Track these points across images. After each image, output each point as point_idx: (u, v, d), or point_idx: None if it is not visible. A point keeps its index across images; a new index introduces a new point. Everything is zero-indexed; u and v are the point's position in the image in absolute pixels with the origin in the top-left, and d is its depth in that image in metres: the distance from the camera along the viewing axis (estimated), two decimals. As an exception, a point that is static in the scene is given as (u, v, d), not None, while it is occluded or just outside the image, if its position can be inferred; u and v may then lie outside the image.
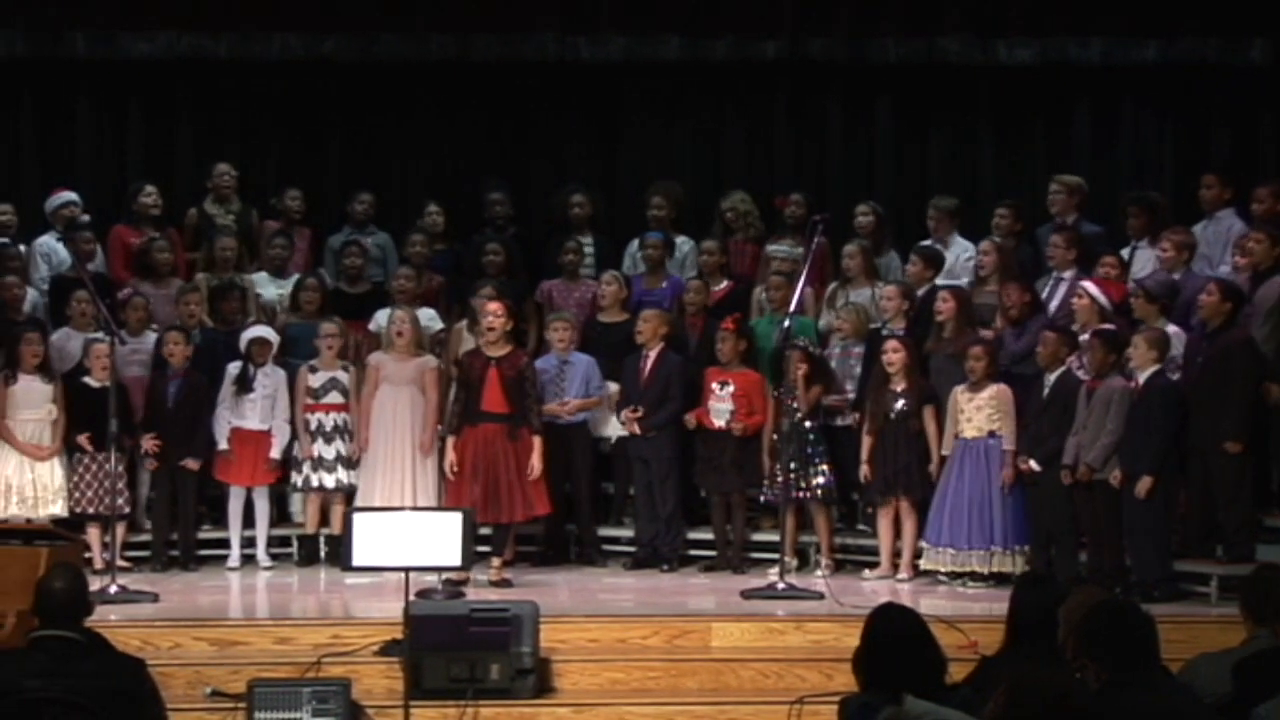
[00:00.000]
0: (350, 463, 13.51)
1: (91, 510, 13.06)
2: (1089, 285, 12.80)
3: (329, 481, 13.48)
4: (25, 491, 13.02)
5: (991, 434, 12.55)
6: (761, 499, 13.34)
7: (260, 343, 13.55)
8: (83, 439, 13.03)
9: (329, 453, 13.50)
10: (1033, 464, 12.36)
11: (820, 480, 13.04)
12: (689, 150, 16.20)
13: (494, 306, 12.93)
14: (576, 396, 13.53)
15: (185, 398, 13.41)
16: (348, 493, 13.50)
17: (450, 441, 12.83)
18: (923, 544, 12.77)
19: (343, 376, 13.59)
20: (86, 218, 14.59)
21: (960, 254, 14.10)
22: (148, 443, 13.26)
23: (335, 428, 13.52)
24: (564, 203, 14.99)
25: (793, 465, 12.84)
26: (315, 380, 13.55)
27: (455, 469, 12.72)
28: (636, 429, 13.40)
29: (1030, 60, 15.68)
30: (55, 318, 13.99)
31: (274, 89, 15.91)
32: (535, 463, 12.76)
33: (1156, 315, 12.41)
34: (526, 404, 12.82)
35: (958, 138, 16.14)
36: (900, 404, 12.82)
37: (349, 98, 16.00)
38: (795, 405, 12.79)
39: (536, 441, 12.80)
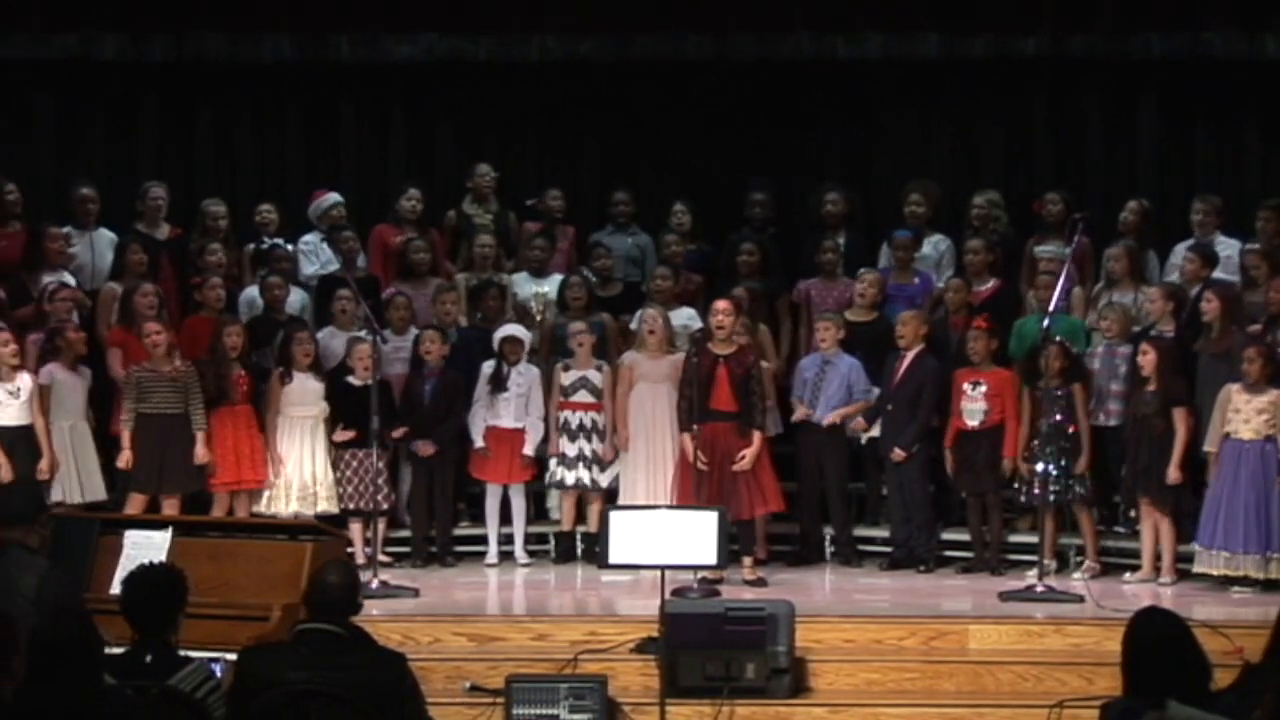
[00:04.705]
0: (600, 461, 13.59)
1: (353, 506, 13.29)
2: None
3: (584, 479, 13.56)
4: (307, 488, 13.30)
5: (1269, 439, 12.26)
6: (1020, 500, 13.19)
7: (513, 341, 13.65)
8: (342, 434, 13.25)
9: (580, 450, 13.58)
10: None
11: (1077, 482, 12.88)
12: (946, 148, 16.03)
13: (722, 305, 12.94)
14: (837, 397, 13.44)
15: (441, 395, 13.59)
16: (600, 491, 13.57)
17: (688, 437, 12.82)
18: (1195, 546, 12.52)
19: (594, 376, 13.63)
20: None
21: (1226, 253, 13.79)
22: (411, 438, 13.46)
23: (583, 426, 13.60)
24: (819, 201, 14.93)
25: (1050, 466, 12.69)
26: (567, 379, 13.63)
27: (705, 461, 12.70)
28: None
29: (1300, 54, 15.30)
30: (320, 317, 14.25)
31: (532, 90, 16.01)
32: (749, 454, 12.74)
33: None
34: (752, 401, 12.81)
35: (1223, 135, 15.77)
36: (1149, 405, 12.62)
37: (606, 98, 16.06)
38: (1061, 420, 12.70)
39: (757, 437, 12.80)
